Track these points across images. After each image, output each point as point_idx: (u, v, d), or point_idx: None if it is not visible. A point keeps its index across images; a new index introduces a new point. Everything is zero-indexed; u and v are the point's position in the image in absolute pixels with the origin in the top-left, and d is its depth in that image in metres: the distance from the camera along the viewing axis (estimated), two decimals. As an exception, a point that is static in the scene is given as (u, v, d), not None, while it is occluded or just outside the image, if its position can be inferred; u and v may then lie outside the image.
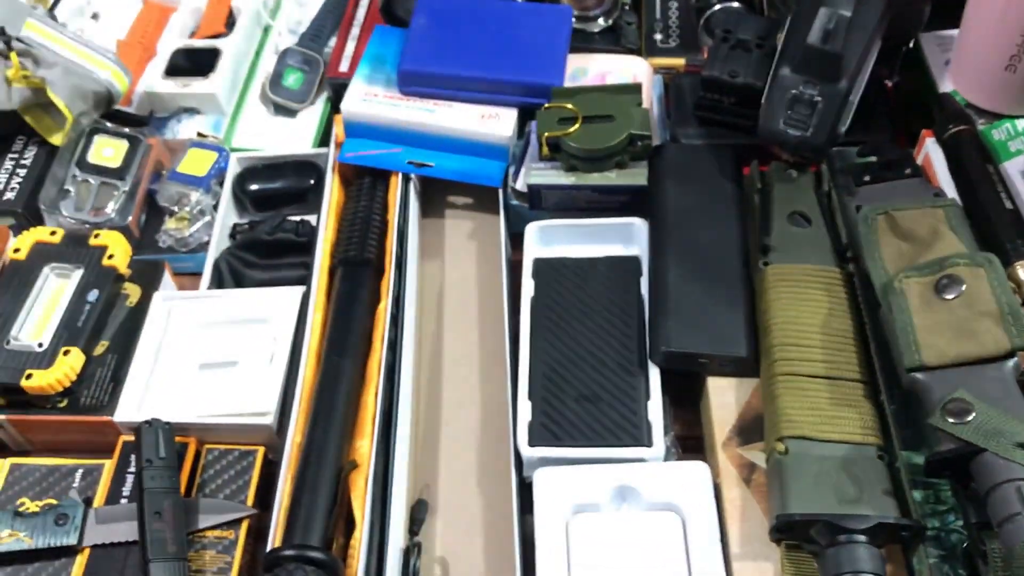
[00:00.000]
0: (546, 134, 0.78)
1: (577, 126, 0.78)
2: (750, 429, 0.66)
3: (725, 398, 0.68)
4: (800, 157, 0.75)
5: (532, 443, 0.67)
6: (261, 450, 0.72)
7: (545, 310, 0.74)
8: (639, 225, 0.77)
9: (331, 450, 0.66)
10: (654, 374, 0.69)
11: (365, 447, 0.67)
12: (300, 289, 0.78)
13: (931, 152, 0.74)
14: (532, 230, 0.78)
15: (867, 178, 0.71)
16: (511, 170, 0.83)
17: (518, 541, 0.64)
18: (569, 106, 0.79)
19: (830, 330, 0.66)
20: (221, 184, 0.87)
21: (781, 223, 0.72)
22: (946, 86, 0.79)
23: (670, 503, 0.64)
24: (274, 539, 0.63)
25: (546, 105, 0.80)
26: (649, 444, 0.66)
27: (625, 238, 0.78)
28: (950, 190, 0.70)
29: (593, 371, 0.70)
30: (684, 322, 0.68)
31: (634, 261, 0.76)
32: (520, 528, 0.65)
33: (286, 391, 0.72)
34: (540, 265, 0.77)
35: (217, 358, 0.75)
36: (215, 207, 0.86)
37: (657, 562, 0.62)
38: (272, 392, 0.72)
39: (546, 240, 0.78)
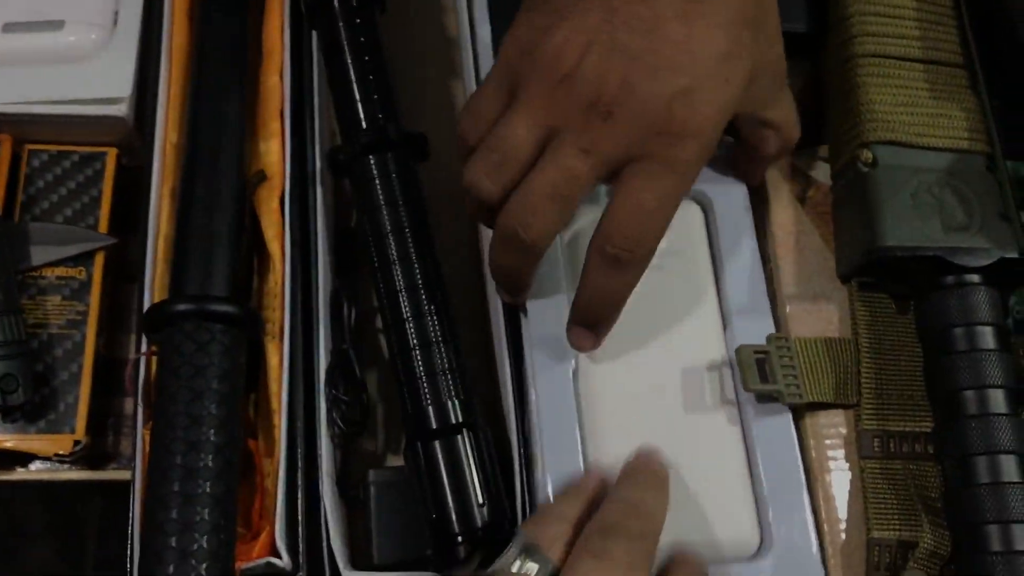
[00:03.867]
0: None
1: None
2: (803, 129, 0.50)
3: (769, 88, 0.50)
4: None
5: None
6: (112, 153, 0.50)
7: None
8: None
9: (228, 155, 0.45)
10: None
11: (275, 151, 0.47)
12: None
13: None
14: None
15: None
16: None
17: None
18: None
19: (924, -4, 0.48)
20: None
21: None
22: None
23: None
24: (152, 286, 0.44)
25: None
26: None
27: None
28: None
29: None
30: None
31: None
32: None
33: (143, 66, 0.49)
34: None
35: (30, 14, 0.50)
36: None
37: (679, 256, 0.46)
38: (124, 68, 0.49)
39: None
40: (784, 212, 0.48)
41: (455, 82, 0.56)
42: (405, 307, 0.42)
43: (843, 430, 0.44)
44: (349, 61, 0.46)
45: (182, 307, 0.40)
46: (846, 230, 0.46)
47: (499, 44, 0.45)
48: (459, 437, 0.41)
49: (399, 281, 0.43)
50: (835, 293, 0.47)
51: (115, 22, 0.50)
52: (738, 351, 0.43)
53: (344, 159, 0.45)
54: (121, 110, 0.48)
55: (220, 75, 0.46)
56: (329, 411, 0.44)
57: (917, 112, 0.46)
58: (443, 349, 0.41)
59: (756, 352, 0.43)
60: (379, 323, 0.50)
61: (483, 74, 0.48)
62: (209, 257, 0.42)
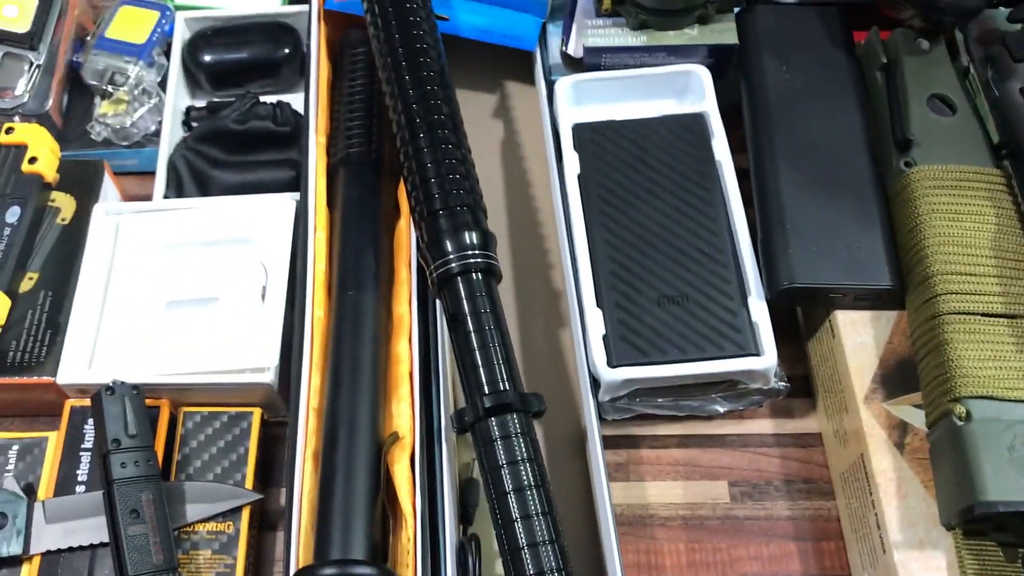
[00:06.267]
0: (611, -18, 0.60)
1: (650, -30, 0.60)
2: (895, 378, 0.53)
3: (861, 338, 0.54)
4: (934, 24, 0.58)
5: (613, 362, 0.53)
6: (257, 413, 0.55)
7: (599, 189, 0.58)
8: (698, 74, 0.61)
9: (364, 420, 0.50)
10: (749, 265, 0.55)
11: (405, 413, 0.52)
12: (292, 198, 0.60)
13: (1102, 17, 0.59)
14: (564, 88, 0.61)
15: (1028, 51, 0.56)
16: (550, 27, 0.65)
17: (609, 511, 0.49)
18: (638, -56, 0.61)
19: (1002, 252, 0.52)
20: (167, 54, 0.67)
21: (920, 110, 0.56)
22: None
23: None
24: (298, 544, 0.48)
25: (606, -58, 0.62)
26: (759, 352, 0.53)
27: (680, 91, 0.62)
28: None
29: (673, 264, 0.56)
30: (808, 246, 0.53)
31: (699, 120, 0.60)
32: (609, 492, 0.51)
33: (288, 337, 0.55)
34: (582, 132, 0.60)
35: (190, 293, 0.57)
36: (161, 85, 0.66)
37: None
38: (271, 339, 0.55)
39: (582, 98, 0.62)
40: (884, 459, 0.50)
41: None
42: (528, 565, 0.45)
43: None
44: (471, 330, 0.50)
45: (327, 572, 0.44)
46: (945, 481, 0.48)
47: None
48: None
49: (521, 539, 0.45)
50: (941, 539, 0.48)
51: (263, 297, 0.56)
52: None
53: (468, 420, 0.48)
54: (268, 377, 0.54)
55: (354, 350, 0.51)
56: (458, 665, 0.46)
57: (1006, 366, 0.48)
58: None
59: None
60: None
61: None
62: (350, 521, 0.46)
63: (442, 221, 0.51)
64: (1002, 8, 0.60)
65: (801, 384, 0.58)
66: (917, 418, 0.51)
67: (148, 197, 0.63)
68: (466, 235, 0.50)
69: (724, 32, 0.61)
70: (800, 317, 0.60)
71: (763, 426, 0.58)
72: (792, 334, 0.60)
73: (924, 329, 0.51)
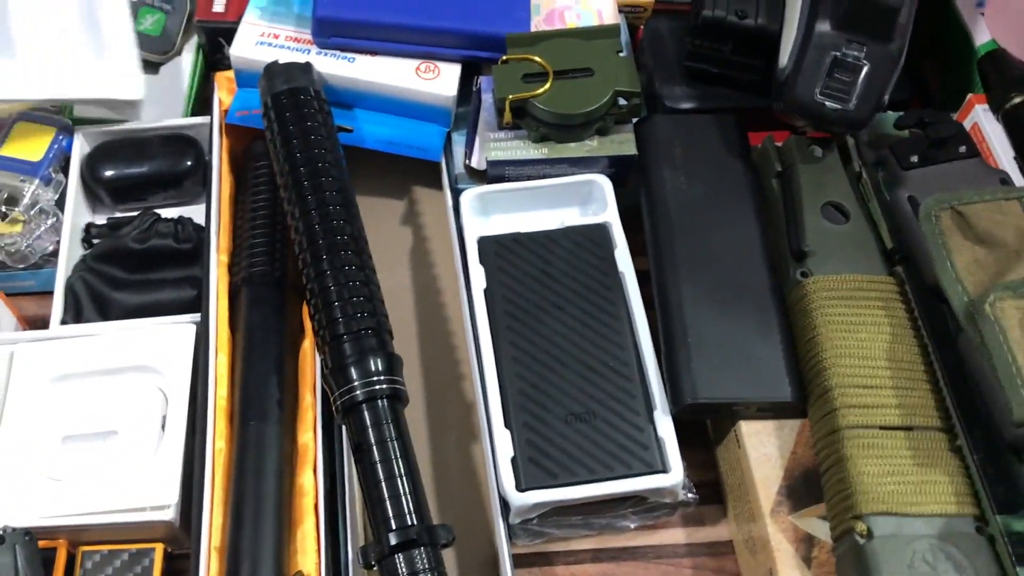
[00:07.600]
0: (509, 97, 0.61)
1: (548, 84, 0.61)
2: (801, 488, 0.53)
3: (765, 448, 0.54)
4: (828, 132, 0.60)
5: (522, 486, 0.53)
6: (159, 549, 0.54)
7: (505, 304, 0.58)
8: (600, 183, 0.62)
9: (267, 561, 0.49)
10: (654, 378, 0.55)
11: (311, 549, 0.50)
12: (192, 321, 0.58)
13: (983, 124, 0.61)
14: (469, 199, 0.62)
15: (914, 159, 0.58)
16: (455, 137, 0.65)
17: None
18: (537, 59, 0.62)
19: (898, 362, 0.53)
20: (65, 171, 0.66)
21: (815, 220, 0.58)
22: (981, 35, 0.66)
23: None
24: None
25: (505, 57, 0.63)
26: (666, 469, 0.53)
27: (583, 200, 0.63)
28: (1015, 174, 0.58)
29: (580, 379, 0.56)
30: (710, 360, 0.54)
31: (602, 230, 0.61)
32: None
33: (190, 468, 0.54)
34: (487, 245, 0.61)
35: (87, 426, 0.55)
36: (59, 203, 0.65)
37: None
38: (171, 474, 0.53)
39: (487, 209, 0.63)
40: (793, 574, 0.51)
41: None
42: None
43: None
44: (376, 460, 0.49)
45: None
46: (851, 599, 0.48)
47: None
48: None
49: None
50: (849, 655, 0.49)
51: (164, 426, 0.55)
52: None
53: (374, 557, 0.47)
54: (168, 515, 0.52)
55: (257, 487, 0.50)
56: None
57: (905, 481, 0.49)
58: None
59: None
60: None
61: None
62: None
63: (346, 346, 0.50)
64: (890, 112, 0.62)
65: (711, 490, 0.59)
66: (822, 531, 0.52)
67: (46, 318, 0.61)
68: (371, 360, 0.50)
69: (623, 143, 0.62)
70: (708, 423, 0.60)
71: (675, 535, 0.58)
72: (701, 439, 0.60)
73: (826, 443, 0.52)
